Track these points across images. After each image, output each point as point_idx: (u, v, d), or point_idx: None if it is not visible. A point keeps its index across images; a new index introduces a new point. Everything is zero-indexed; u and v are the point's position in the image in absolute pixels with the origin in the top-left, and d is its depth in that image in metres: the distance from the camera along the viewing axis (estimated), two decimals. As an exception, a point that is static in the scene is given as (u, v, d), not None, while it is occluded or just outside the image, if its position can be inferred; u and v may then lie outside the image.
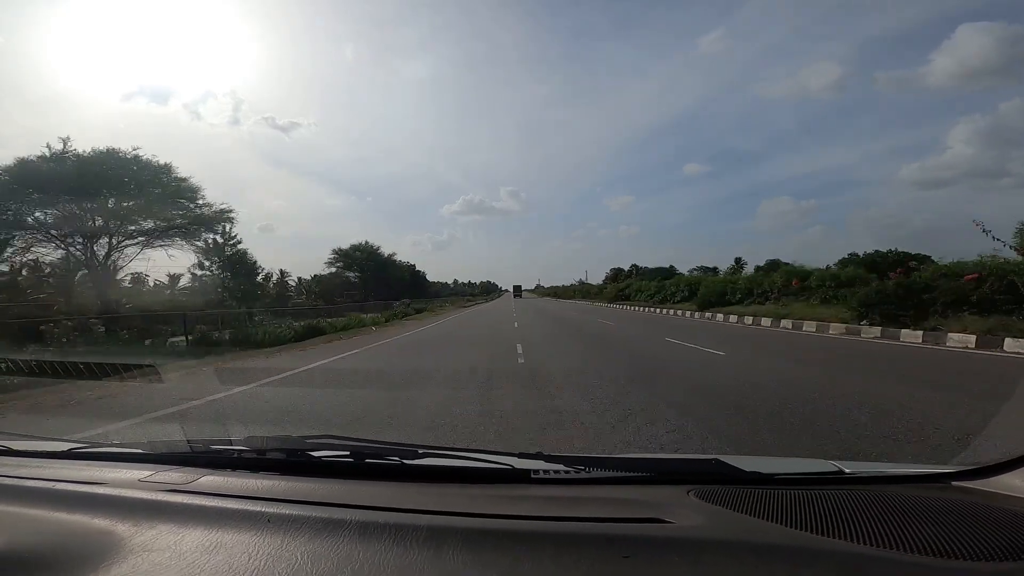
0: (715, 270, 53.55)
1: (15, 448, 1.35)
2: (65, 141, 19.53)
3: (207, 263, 26.55)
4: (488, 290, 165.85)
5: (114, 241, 21.08)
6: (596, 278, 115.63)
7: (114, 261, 21.28)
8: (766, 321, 15.95)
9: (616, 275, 73.52)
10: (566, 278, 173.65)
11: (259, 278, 31.55)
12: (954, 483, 1.01)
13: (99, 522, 0.87)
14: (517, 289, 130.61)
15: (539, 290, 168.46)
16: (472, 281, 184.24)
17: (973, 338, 8.99)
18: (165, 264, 31.77)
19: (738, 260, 45.47)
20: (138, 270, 23.40)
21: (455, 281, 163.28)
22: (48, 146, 19.26)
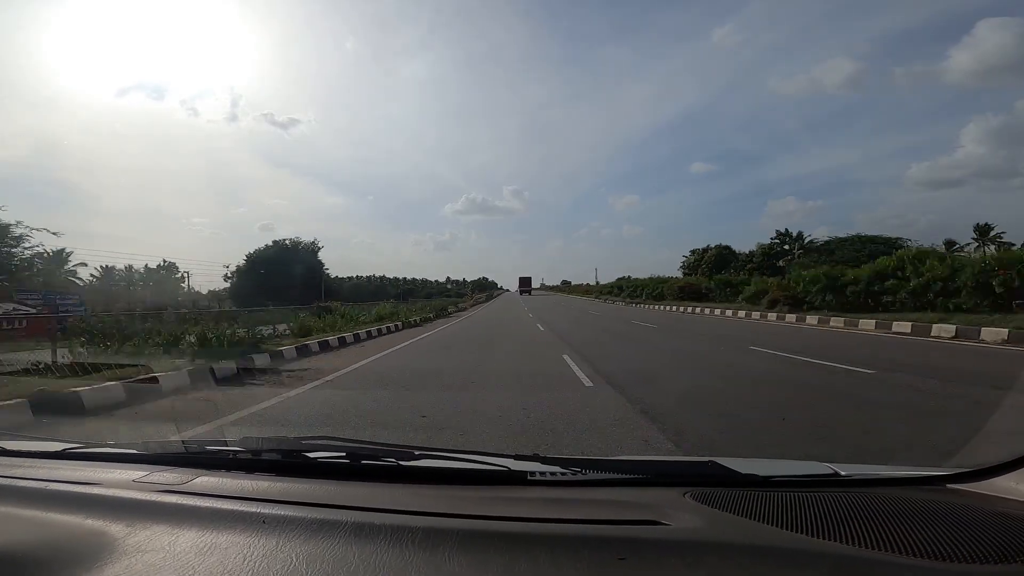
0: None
1: (9, 448, 1.34)
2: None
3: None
4: (481, 288, 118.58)
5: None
6: (603, 276, 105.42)
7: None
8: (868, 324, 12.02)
9: (719, 260, 50.71)
10: (569, 277, 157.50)
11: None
12: (949, 485, 1.01)
13: (93, 523, 0.86)
14: (524, 282, 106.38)
15: (543, 288, 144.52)
16: (465, 279, 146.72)
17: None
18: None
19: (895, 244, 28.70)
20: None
21: (448, 279, 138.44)
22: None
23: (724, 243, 55.38)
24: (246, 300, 30.73)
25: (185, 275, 47.34)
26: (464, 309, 34.93)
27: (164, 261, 49.21)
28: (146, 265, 46.80)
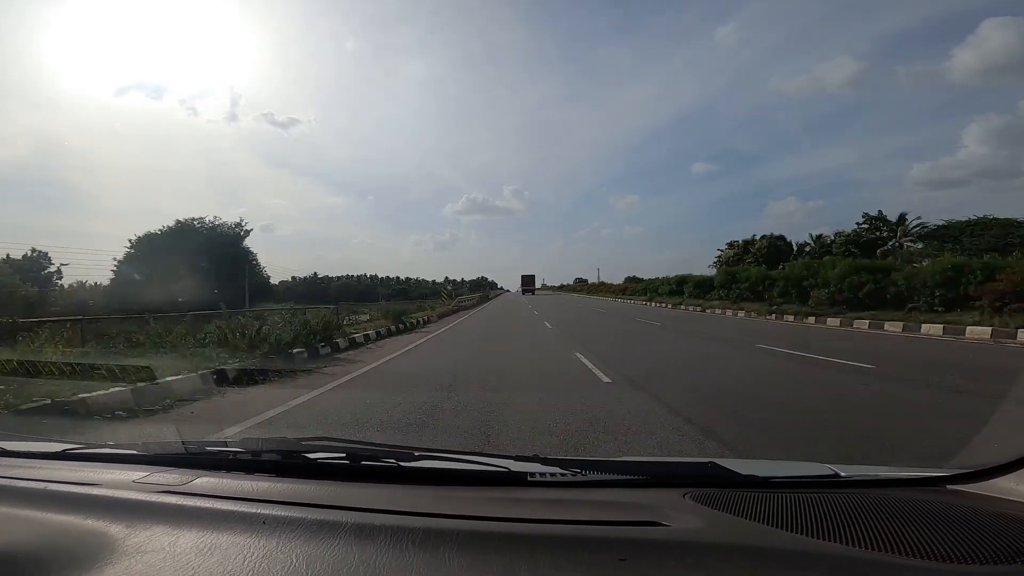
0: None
1: (9, 449, 1.34)
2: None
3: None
4: (477, 287, 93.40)
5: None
6: (605, 276, 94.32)
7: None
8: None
9: (771, 252, 40.37)
10: (571, 277, 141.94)
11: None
12: (949, 486, 1.01)
13: (93, 523, 0.86)
14: (527, 281, 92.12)
15: (545, 288, 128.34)
16: (464, 279, 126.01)
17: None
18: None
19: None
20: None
21: (446, 278, 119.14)
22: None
23: (777, 233, 45.48)
24: (130, 300, 22.06)
25: (59, 268, 35.71)
26: (415, 327, 16.22)
27: (32, 250, 36.98)
28: (7, 255, 33.16)
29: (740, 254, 45.53)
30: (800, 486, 1.07)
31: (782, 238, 44.70)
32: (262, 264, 41.83)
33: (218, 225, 39.38)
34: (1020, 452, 0.96)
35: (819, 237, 41.86)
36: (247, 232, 40.64)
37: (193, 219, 38.44)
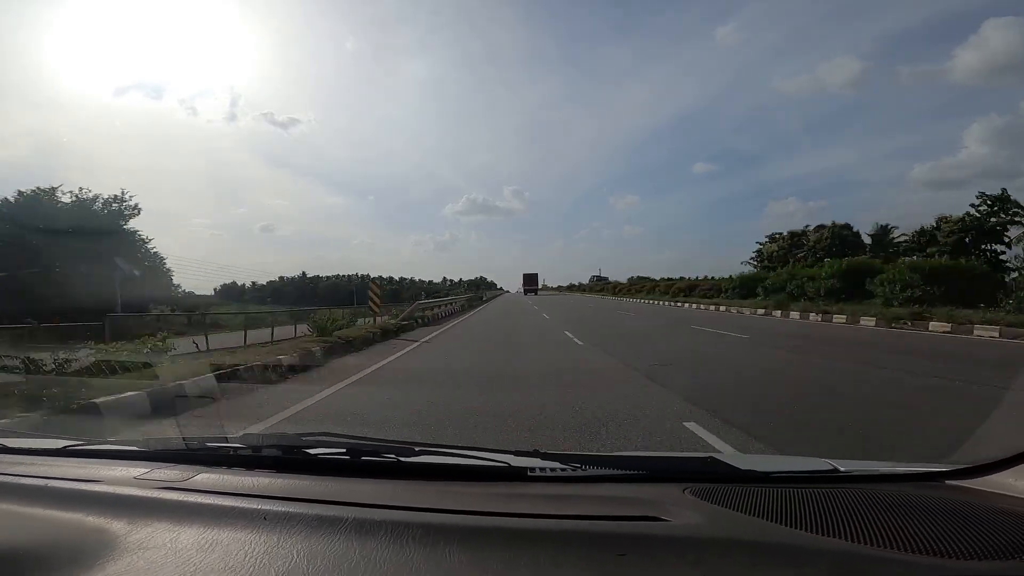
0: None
1: (10, 446, 1.34)
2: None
3: None
4: (476, 287, 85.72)
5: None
6: (607, 275, 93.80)
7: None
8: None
9: (835, 244, 34.82)
10: (570, 277, 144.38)
11: None
12: (948, 482, 1.02)
13: (94, 520, 0.86)
14: (529, 280, 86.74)
15: (546, 288, 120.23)
16: (462, 279, 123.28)
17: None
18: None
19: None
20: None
21: (444, 278, 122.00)
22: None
23: (844, 222, 37.84)
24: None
25: None
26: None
27: None
28: None
29: (787, 248, 39.20)
30: (799, 481, 1.07)
31: (848, 227, 36.54)
32: (163, 255, 30.39)
33: (86, 200, 26.65)
34: (1019, 448, 0.96)
35: (886, 227, 36.11)
36: (133, 211, 27.73)
37: (41, 190, 26.06)
